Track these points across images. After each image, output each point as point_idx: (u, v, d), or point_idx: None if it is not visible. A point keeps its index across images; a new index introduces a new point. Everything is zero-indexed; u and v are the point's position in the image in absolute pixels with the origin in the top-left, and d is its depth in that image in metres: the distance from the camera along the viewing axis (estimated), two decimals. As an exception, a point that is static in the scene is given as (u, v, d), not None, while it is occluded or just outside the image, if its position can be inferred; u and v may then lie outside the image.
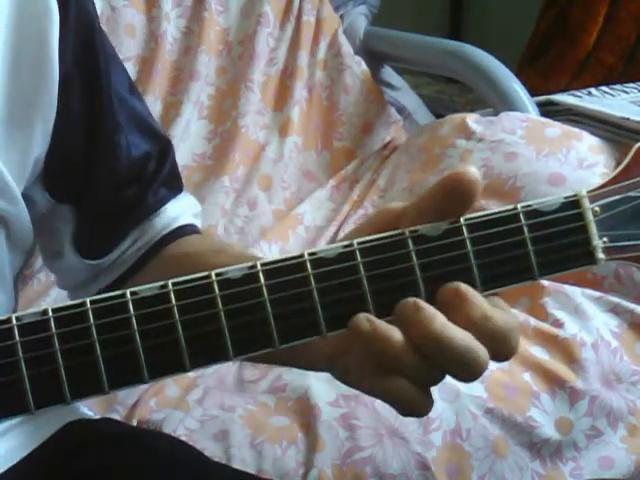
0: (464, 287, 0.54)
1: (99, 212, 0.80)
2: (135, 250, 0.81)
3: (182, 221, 0.83)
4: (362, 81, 1.82)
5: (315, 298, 0.53)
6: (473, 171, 0.54)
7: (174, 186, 0.84)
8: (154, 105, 1.70)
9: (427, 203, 0.56)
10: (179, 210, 0.83)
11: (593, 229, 0.55)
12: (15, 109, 0.70)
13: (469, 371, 0.54)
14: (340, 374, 0.60)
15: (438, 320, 0.53)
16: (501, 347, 0.54)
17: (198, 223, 0.85)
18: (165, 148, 0.83)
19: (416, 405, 0.55)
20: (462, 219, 0.55)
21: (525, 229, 0.55)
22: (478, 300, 0.54)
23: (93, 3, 0.78)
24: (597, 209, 0.56)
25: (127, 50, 1.70)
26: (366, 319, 0.53)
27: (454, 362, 0.53)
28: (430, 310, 0.53)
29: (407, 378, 0.54)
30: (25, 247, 0.77)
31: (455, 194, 0.55)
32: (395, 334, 0.53)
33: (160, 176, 0.82)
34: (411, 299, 0.54)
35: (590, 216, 0.55)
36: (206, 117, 1.75)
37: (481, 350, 0.53)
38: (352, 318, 0.53)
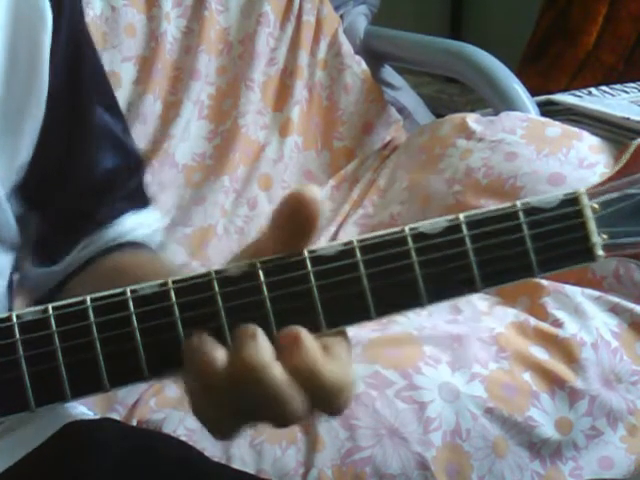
0: (303, 334, 0.52)
1: (59, 221, 0.80)
2: (80, 257, 0.81)
3: (132, 237, 0.82)
4: (362, 81, 1.82)
5: (315, 296, 0.53)
6: (313, 189, 0.52)
7: (137, 201, 0.84)
8: (154, 105, 1.70)
9: (272, 233, 0.54)
10: (134, 224, 0.83)
11: (592, 226, 0.55)
12: (7, 116, 0.71)
13: (279, 419, 0.52)
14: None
15: (264, 356, 0.51)
16: (326, 404, 0.52)
17: (153, 242, 0.85)
18: (136, 165, 0.84)
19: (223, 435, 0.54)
20: (461, 216, 0.55)
21: (524, 226, 0.55)
22: (312, 351, 0.52)
23: (83, 16, 0.79)
24: (596, 206, 0.55)
25: (127, 50, 1.70)
26: (197, 336, 0.52)
27: (266, 404, 0.51)
28: (262, 343, 0.51)
29: (226, 408, 0.52)
30: (14, 246, 0.78)
31: (296, 218, 0.52)
32: (219, 357, 0.51)
33: (124, 191, 0.82)
34: (252, 326, 0.52)
35: (589, 213, 0.55)
36: (206, 117, 1.75)
37: (296, 402, 0.51)
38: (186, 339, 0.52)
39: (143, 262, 0.79)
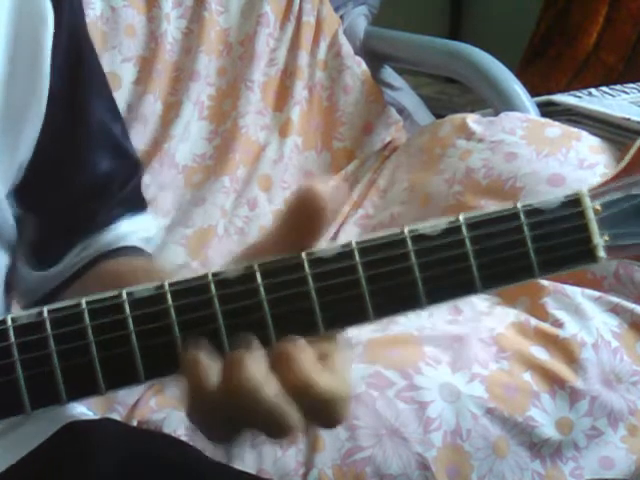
0: (297, 348, 0.52)
1: (54, 224, 0.80)
2: (75, 262, 0.81)
3: (128, 241, 0.82)
4: (362, 81, 1.82)
5: (313, 298, 0.53)
6: (319, 185, 0.52)
7: (133, 206, 0.84)
8: (154, 105, 1.70)
9: (277, 232, 0.54)
10: (129, 230, 0.82)
11: (594, 227, 0.55)
12: (7, 115, 0.71)
13: (274, 432, 0.52)
14: None
15: (257, 376, 0.50)
16: (322, 417, 0.52)
17: (149, 247, 0.84)
18: (133, 169, 0.84)
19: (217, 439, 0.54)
20: (462, 218, 0.55)
21: (525, 228, 0.54)
22: (306, 364, 0.52)
23: (84, 16, 0.79)
24: (598, 207, 0.55)
25: (127, 50, 1.70)
26: (194, 348, 0.51)
27: (260, 418, 0.51)
28: (254, 364, 0.51)
29: (220, 417, 0.52)
30: (12, 245, 0.78)
31: (302, 215, 0.52)
32: (214, 373, 0.51)
33: (120, 195, 0.82)
34: (245, 342, 0.52)
35: (591, 214, 0.55)
36: (206, 117, 1.75)
37: (291, 417, 0.51)
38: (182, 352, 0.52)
39: (139, 267, 0.79)
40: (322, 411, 0.52)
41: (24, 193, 0.76)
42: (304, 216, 0.52)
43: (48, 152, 0.75)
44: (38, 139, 0.73)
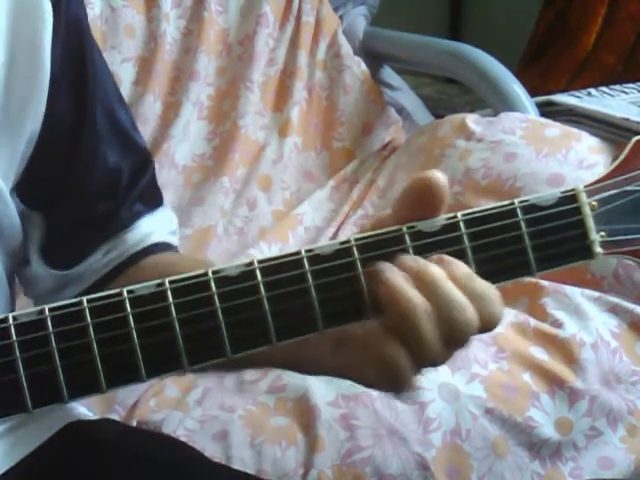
0: (447, 256, 0.55)
1: (70, 222, 0.79)
2: (104, 264, 0.80)
3: (155, 238, 0.82)
4: (362, 81, 1.82)
5: (312, 295, 0.53)
6: (439, 175, 0.55)
7: (151, 201, 0.83)
8: (154, 105, 1.70)
9: (399, 212, 0.56)
10: (153, 226, 0.82)
11: (590, 223, 0.55)
12: (8, 112, 0.71)
13: (464, 330, 0.54)
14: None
15: (438, 272, 0.55)
16: (487, 308, 0.55)
17: (175, 240, 0.85)
18: (143, 161, 0.83)
19: (402, 378, 0.56)
20: (459, 214, 0.55)
21: (522, 224, 0.55)
22: (461, 264, 0.55)
23: (85, 11, 0.78)
24: (594, 203, 0.56)
25: (126, 50, 1.70)
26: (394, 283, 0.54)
27: (447, 312, 0.54)
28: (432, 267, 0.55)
29: (411, 350, 0.54)
30: (16, 245, 0.77)
31: (424, 199, 0.55)
32: (421, 299, 0.54)
33: (135, 190, 0.81)
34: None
35: (587, 210, 0.55)
36: (206, 117, 1.75)
37: (470, 308, 0.54)
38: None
39: (187, 260, 0.79)
40: (488, 303, 0.55)
41: (26, 191, 0.76)
42: (420, 203, 0.56)
43: (52, 147, 0.75)
44: (40, 133, 0.73)
